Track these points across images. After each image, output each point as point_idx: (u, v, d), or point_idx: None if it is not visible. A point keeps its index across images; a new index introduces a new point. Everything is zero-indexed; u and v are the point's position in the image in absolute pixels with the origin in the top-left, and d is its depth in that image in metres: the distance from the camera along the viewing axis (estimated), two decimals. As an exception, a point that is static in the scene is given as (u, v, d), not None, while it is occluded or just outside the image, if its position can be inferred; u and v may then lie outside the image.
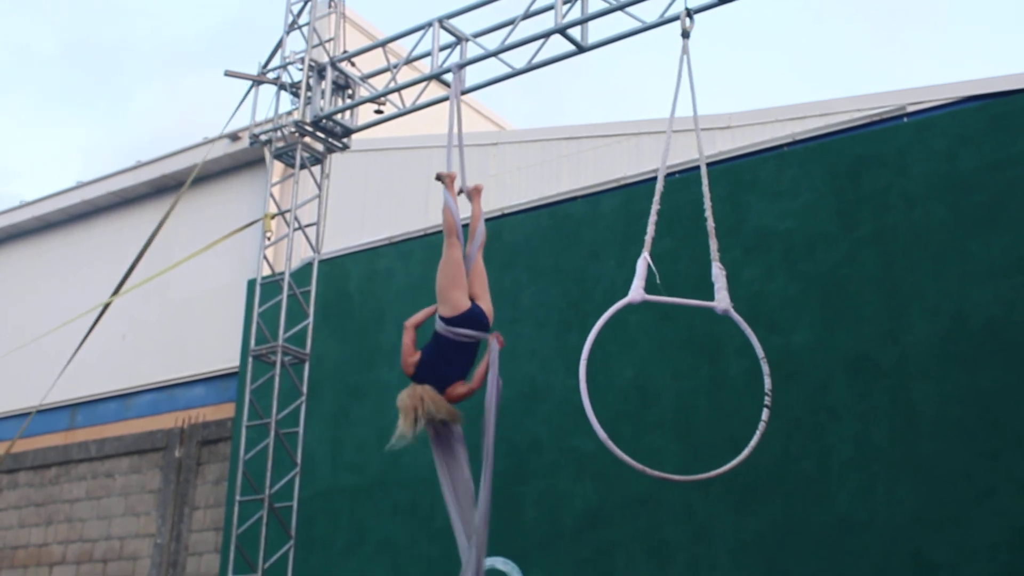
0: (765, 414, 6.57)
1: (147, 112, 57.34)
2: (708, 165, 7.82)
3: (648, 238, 7.10)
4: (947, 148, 10.75)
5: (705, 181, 7.38)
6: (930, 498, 9.92)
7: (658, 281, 6.95)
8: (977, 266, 10.30)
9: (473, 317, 7.24)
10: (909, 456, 10.13)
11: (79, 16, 60.15)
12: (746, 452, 6.54)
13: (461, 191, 8.15)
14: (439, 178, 7.88)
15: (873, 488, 10.22)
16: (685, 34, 8.03)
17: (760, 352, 6.63)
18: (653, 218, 7.16)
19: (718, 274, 7.05)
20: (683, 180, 11.36)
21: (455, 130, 8.37)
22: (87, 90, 58.70)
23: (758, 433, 6.54)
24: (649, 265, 6.98)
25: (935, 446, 10.03)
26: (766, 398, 6.59)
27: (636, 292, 6.92)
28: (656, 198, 7.25)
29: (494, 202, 14.12)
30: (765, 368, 6.68)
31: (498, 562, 11.73)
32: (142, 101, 57.99)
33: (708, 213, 7.22)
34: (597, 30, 10.96)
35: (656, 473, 6.59)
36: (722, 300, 6.98)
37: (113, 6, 59.68)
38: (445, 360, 7.23)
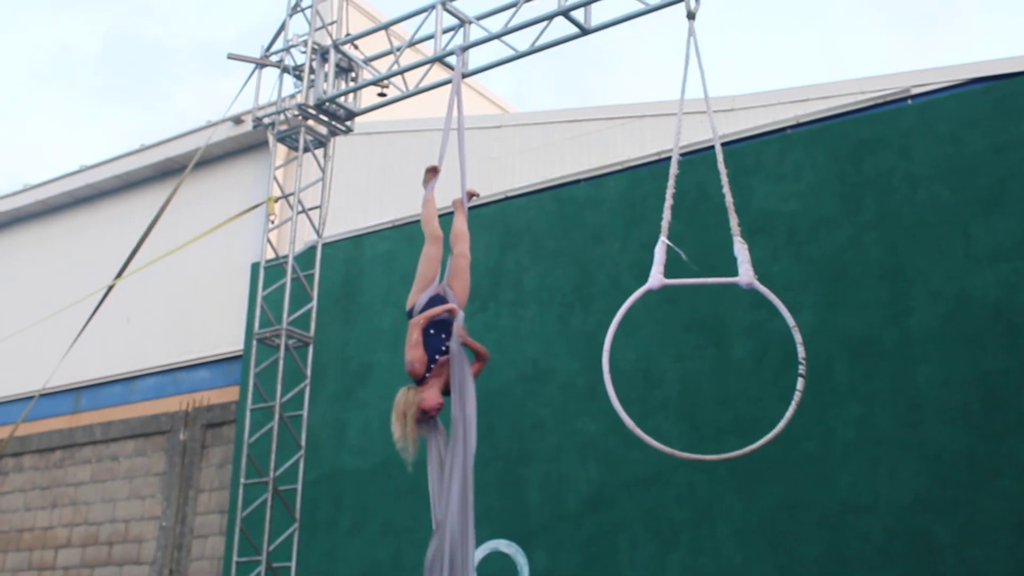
0: (800, 383, 6.50)
1: (185, 111, 57.54)
2: (712, 147, 7.79)
3: (664, 222, 6.99)
4: (951, 131, 10.73)
5: (720, 158, 7.34)
6: (933, 480, 9.94)
7: (684, 259, 6.87)
8: (981, 248, 10.29)
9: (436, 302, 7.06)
10: (912, 438, 10.14)
11: (119, 15, 60.31)
12: (782, 424, 6.47)
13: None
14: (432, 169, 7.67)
15: (876, 470, 10.24)
16: (691, 15, 7.99)
17: (791, 321, 6.56)
18: (669, 202, 7.07)
19: (740, 248, 6.93)
20: (688, 163, 11.29)
21: (455, 113, 8.28)
22: (125, 88, 58.89)
23: (793, 403, 6.47)
24: (670, 247, 6.89)
25: (938, 428, 10.04)
26: (800, 367, 6.51)
27: (655, 278, 6.81)
28: (671, 181, 7.18)
29: (497, 185, 14.12)
30: (797, 337, 6.59)
31: (501, 544, 11.77)
32: (180, 100, 58.20)
33: (726, 189, 7.14)
34: (601, 12, 10.96)
35: (685, 455, 6.58)
36: (746, 274, 6.85)
37: (153, 6, 59.78)
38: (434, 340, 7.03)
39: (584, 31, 10.88)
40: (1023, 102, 10.44)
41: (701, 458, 6.82)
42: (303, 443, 12.27)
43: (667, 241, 6.88)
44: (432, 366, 6.72)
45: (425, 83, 12.19)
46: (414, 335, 6.72)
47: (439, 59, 11.71)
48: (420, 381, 6.72)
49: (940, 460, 9.95)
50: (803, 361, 6.46)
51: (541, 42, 11.19)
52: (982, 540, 9.58)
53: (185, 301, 17.04)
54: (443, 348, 6.77)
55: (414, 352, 6.70)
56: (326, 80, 12.54)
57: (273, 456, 11.88)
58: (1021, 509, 9.49)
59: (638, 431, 6.27)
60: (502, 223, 13.35)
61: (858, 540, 10.13)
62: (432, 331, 6.80)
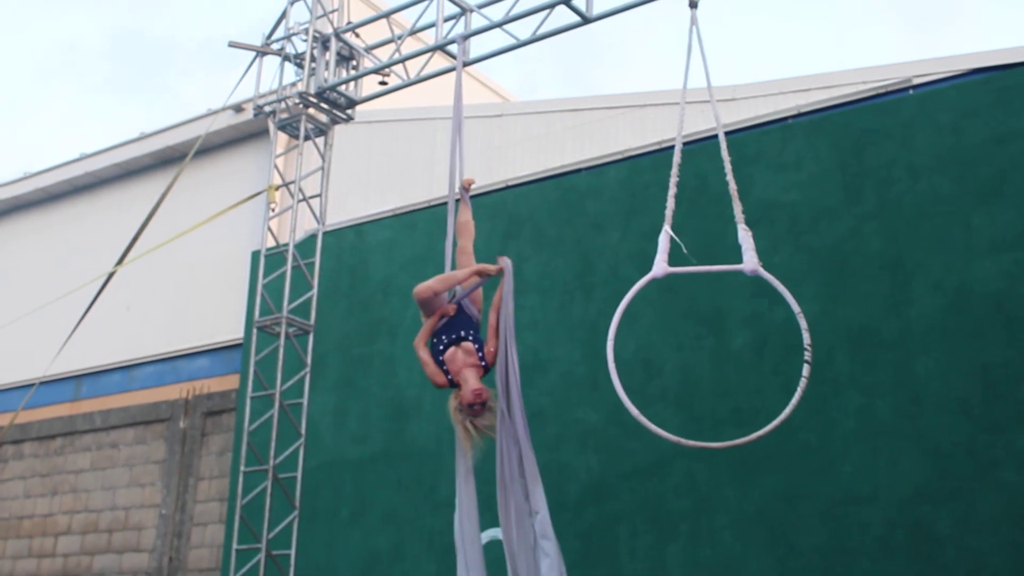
0: (806, 370, 6.47)
1: (191, 106, 57.55)
2: (712, 137, 7.77)
3: (668, 211, 6.98)
4: (952, 121, 10.72)
5: (724, 145, 7.31)
6: (933, 472, 9.94)
7: (685, 251, 6.85)
8: (981, 239, 10.28)
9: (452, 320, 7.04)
10: (912, 429, 10.15)
11: (126, 10, 60.31)
12: (788, 410, 6.44)
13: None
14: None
15: (876, 461, 10.25)
16: (693, 4, 7.95)
17: (796, 307, 6.52)
18: (672, 191, 7.06)
19: (744, 235, 6.89)
20: (688, 152, 11.19)
21: (459, 102, 8.26)
22: (132, 84, 58.91)
23: (800, 390, 6.44)
24: (672, 237, 6.86)
25: (938, 419, 10.05)
26: (806, 352, 6.47)
27: (659, 267, 6.78)
28: (674, 170, 7.16)
29: (498, 174, 14.11)
30: (803, 323, 6.56)
31: (500, 533, 11.75)
32: (187, 95, 58.20)
33: (729, 176, 7.12)
34: (602, 0, 10.92)
35: (689, 442, 6.56)
36: (750, 261, 6.80)
37: (159, 2, 59.76)
38: (448, 329, 7.00)
39: (585, 19, 10.84)
40: (1025, 93, 10.43)
41: (704, 445, 6.80)
42: (303, 431, 12.27)
43: (670, 231, 6.85)
44: (445, 368, 6.82)
45: (426, 71, 12.15)
46: (421, 356, 6.86)
47: (440, 47, 11.67)
48: (454, 386, 6.81)
49: (940, 451, 9.96)
50: (808, 347, 6.42)
51: (543, 31, 11.15)
52: (982, 531, 9.59)
53: (185, 289, 17.04)
54: (440, 348, 6.85)
55: (427, 370, 6.86)
56: (327, 68, 12.51)
57: (273, 444, 11.88)
58: (1020, 500, 9.49)
59: (642, 418, 6.26)
60: (503, 212, 13.34)
61: (858, 531, 10.14)
62: (434, 339, 6.91)
